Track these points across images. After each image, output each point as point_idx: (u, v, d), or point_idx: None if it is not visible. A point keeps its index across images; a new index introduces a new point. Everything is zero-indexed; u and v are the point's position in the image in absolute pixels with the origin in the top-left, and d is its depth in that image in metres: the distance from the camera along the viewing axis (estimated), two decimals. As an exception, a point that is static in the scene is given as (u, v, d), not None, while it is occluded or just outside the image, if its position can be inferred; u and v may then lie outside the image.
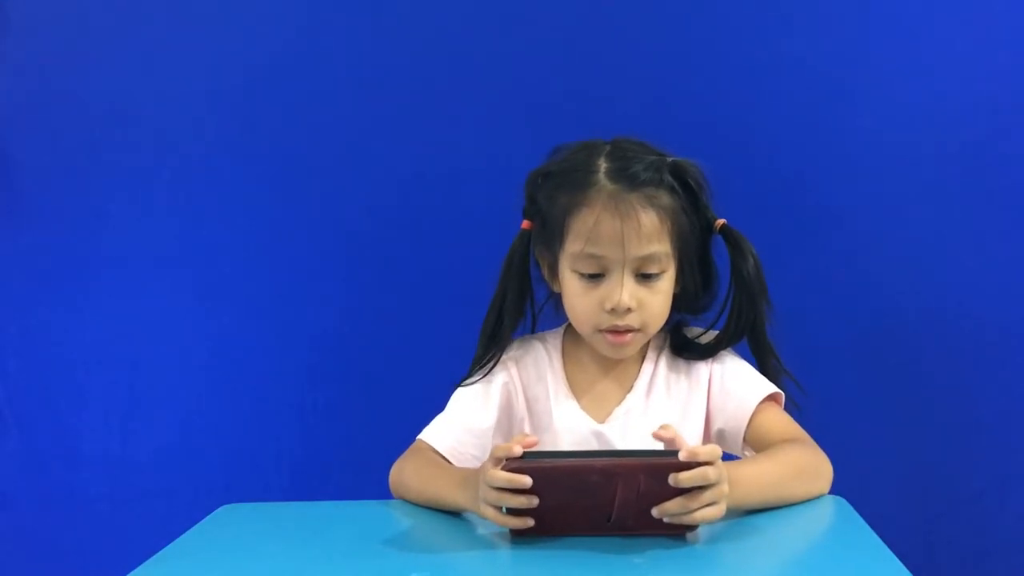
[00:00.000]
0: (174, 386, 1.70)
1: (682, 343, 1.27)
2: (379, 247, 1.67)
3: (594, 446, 1.23)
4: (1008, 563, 1.60)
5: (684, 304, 1.28)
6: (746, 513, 1.06)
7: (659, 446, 1.16)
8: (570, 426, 1.24)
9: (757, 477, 1.07)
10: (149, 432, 1.70)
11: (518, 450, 0.96)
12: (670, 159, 1.21)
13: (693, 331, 1.30)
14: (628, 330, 1.19)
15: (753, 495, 1.06)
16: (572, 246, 1.18)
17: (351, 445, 1.67)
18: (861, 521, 1.06)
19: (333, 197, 1.67)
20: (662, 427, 1.00)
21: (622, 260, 1.16)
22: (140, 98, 1.67)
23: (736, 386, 1.24)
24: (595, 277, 1.18)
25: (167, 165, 1.68)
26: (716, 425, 1.24)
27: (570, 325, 1.31)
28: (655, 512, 0.96)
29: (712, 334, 1.28)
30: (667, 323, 1.27)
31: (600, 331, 1.20)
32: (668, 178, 1.19)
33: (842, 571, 0.94)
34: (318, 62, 1.66)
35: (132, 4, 1.67)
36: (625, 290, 1.17)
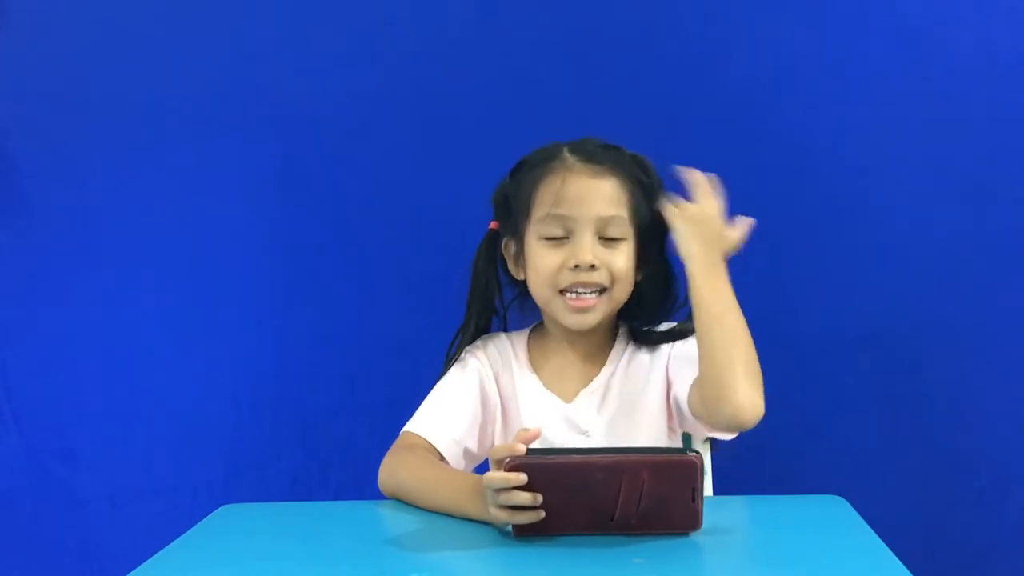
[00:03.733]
0: (174, 386, 1.70)
1: (641, 335, 1.30)
2: (379, 247, 1.67)
3: (560, 424, 1.25)
4: (1008, 563, 1.60)
5: (648, 311, 1.31)
6: (746, 512, 1.06)
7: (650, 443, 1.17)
8: (537, 409, 1.26)
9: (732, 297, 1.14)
10: (149, 432, 1.70)
11: (521, 448, 0.98)
12: (628, 151, 1.28)
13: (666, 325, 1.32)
14: (593, 288, 1.22)
15: (727, 297, 1.14)
16: (538, 212, 1.24)
17: (351, 445, 1.67)
18: (861, 521, 1.06)
19: (334, 197, 1.67)
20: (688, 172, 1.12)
21: (586, 219, 1.22)
22: (140, 98, 1.67)
23: (690, 350, 1.23)
24: (559, 240, 1.23)
25: (167, 165, 1.68)
26: (672, 392, 1.25)
27: (535, 327, 1.34)
28: None
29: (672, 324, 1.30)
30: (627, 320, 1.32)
31: (561, 294, 1.23)
32: (626, 159, 1.27)
33: (842, 571, 0.94)
34: (316, 63, 1.66)
35: (132, 4, 1.67)
36: (589, 248, 1.22)
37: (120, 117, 1.68)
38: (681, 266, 1.29)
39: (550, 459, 0.98)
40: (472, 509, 1.06)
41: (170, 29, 1.67)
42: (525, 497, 0.97)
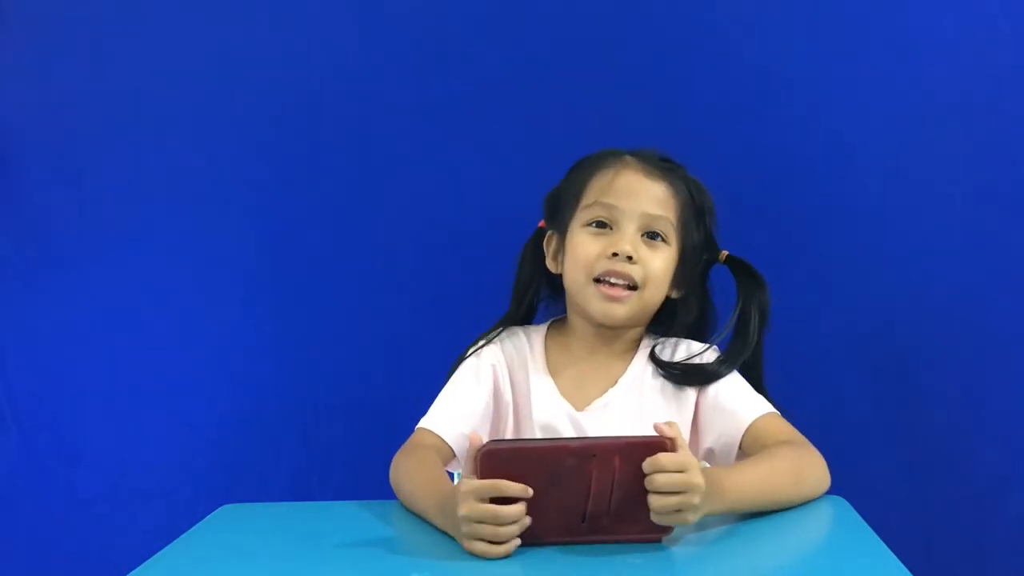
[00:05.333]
0: (174, 386, 1.70)
1: (663, 365, 1.27)
2: (379, 247, 1.66)
3: (569, 430, 1.24)
4: (1008, 563, 1.60)
5: (677, 329, 1.33)
6: (746, 515, 1.06)
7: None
8: (547, 409, 1.26)
9: (751, 482, 1.07)
10: (149, 432, 1.70)
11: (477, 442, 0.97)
12: (686, 172, 1.31)
13: (685, 347, 1.30)
14: (625, 283, 1.22)
15: (746, 499, 1.05)
16: (587, 200, 1.26)
17: (351, 445, 1.67)
18: (861, 521, 1.06)
19: (334, 197, 1.67)
20: (667, 423, 0.99)
21: (632, 213, 1.24)
22: (141, 98, 1.67)
23: (729, 401, 1.24)
24: (603, 226, 1.25)
25: (167, 165, 1.68)
26: (705, 444, 1.24)
27: (553, 324, 1.34)
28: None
29: (709, 354, 1.28)
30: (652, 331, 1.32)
31: (595, 281, 1.23)
32: (684, 175, 1.29)
33: (842, 571, 0.94)
34: (320, 62, 1.66)
35: (132, 4, 1.67)
36: (630, 240, 1.23)
37: (120, 117, 1.68)
38: (718, 297, 1.31)
39: (522, 444, 0.98)
40: (439, 524, 1.04)
41: (170, 29, 1.67)
42: (514, 511, 0.94)
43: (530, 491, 0.95)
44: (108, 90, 1.67)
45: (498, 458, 0.96)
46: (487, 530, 0.95)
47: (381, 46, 1.65)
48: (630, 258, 1.22)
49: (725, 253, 1.32)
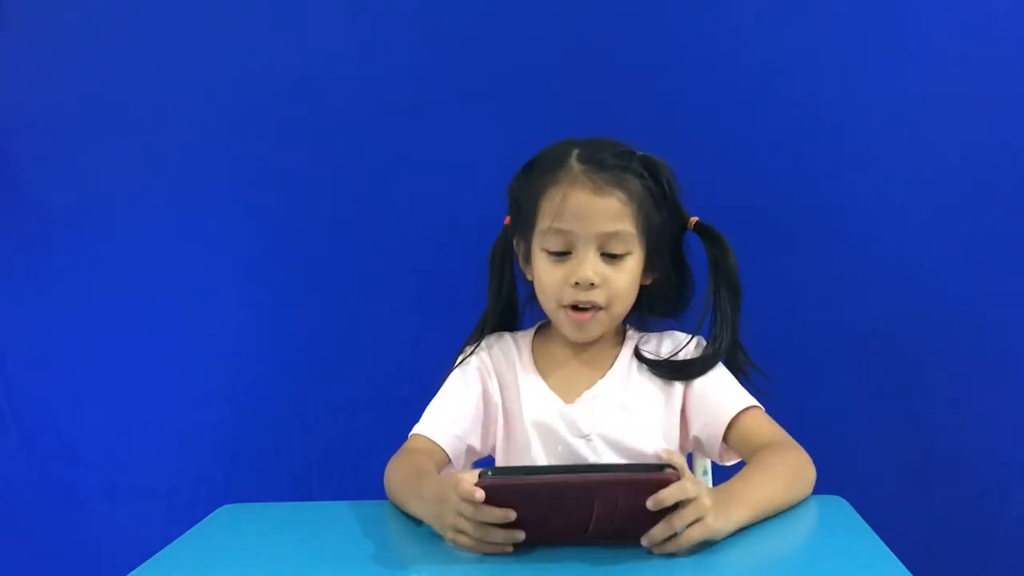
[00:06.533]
0: (174, 386, 1.70)
1: (648, 362, 1.27)
2: (379, 246, 1.67)
3: (560, 425, 1.24)
4: (1008, 563, 1.61)
5: (661, 307, 1.32)
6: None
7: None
8: (538, 405, 1.26)
9: (752, 494, 1.06)
10: (149, 432, 1.70)
11: (480, 496, 0.95)
12: (640, 153, 1.25)
13: (670, 340, 1.30)
14: (592, 307, 1.22)
15: (757, 512, 1.05)
16: (542, 224, 1.23)
17: (351, 445, 1.67)
18: (861, 521, 1.06)
19: (334, 198, 1.67)
20: (667, 451, 1.01)
21: (587, 235, 1.21)
22: (141, 98, 1.67)
23: (714, 392, 1.24)
24: (562, 255, 1.22)
25: (167, 165, 1.68)
26: (692, 432, 1.25)
27: (540, 326, 1.35)
28: (644, 542, 0.96)
29: (693, 345, 1.28)
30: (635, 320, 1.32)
31: (563, 307, 1.23)
32: (637, 166, 1.24)
33: (842, 571, 0.94)
34: (318, 62, 1.66)
35: (132, 4, 1.67)
36: (589, 265, 1.21)
37: (120, 117, 1.68)
38: (693, 264, 1.30)
39: (523, 480, 0.95)
40: (428, 519, 1.05)
41: (171, 28, 1.67)
42: (497, 515, 0.95)
43: (521, 535, 0.96)
44: (108, 90, 1.68)
45: (498, 492, 0.94)
46: (477, 533, 0.97)
47: (381, 46, 1.65)
48: (592, 284, 1.21)
49: (695, 220, 1.29)
